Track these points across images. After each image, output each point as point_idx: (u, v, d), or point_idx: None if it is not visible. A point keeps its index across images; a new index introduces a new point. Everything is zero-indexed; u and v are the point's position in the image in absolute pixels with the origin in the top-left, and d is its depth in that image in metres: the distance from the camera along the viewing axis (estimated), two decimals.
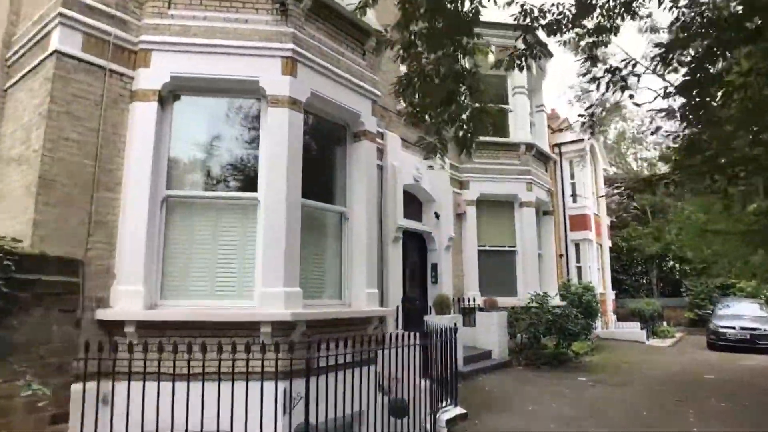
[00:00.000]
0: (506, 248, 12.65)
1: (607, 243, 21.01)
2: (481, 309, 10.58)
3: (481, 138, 13.18)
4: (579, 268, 18.11)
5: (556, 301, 12.91)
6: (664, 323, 20.03)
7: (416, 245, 10.84)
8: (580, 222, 18.02)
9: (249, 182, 5.70)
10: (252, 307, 5.20)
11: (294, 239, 5.39)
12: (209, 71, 5.54)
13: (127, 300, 5.00)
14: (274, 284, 5.18)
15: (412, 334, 5.94)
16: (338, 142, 6.77)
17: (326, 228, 6.43)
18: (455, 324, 6.30)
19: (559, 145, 18.17)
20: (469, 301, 11.04)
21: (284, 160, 5.45)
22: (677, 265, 26.33)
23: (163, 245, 5.41)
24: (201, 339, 4.88)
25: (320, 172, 6.53)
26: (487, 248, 12.41)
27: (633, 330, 16.83)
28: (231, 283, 5.50)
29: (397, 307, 8.96)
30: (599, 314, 14.18)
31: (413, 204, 10.73)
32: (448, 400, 6.12)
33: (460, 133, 4.82)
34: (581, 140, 17.50)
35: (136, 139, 5.35)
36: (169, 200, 5.51)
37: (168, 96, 5.64)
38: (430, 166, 8.27)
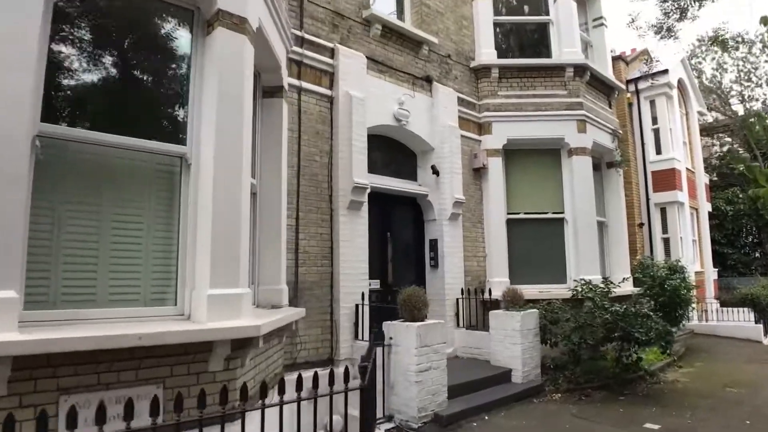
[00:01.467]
0: (549, 215, 9.11)
1: (706, 207, 16.36)
2: (504, 304, 7.31)
3: (508, 60, 9.66)
4: (666, 241, 13.94)
5: (627, 287, 9.25)
6: None
7: (408, 215, 7.78)
8: (666, 179, 13.70)
9: None
10: None
11: (8, 200, 2.67)
12: None
13: None
14: None
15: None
16: (184, 43, 3.92)
17: (148, 182, 3.66)
18: (373, 353, 3.26)
19: (635, 82, 13.88)
20: (487, 294, 7.82)
21: None
22: None
23: None
24: None
25: (135, 88, 3.75)
26: (521, 216, 8.97)
27: (742, 324, 12.49)
28: None
29: (356, 306, 6.04)
30: (692, 304, 10.19)
31: (400, 155, 7.65)
32: None
33: None
34: (665, 71, 13.15)
35: None
36: None
37: None
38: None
